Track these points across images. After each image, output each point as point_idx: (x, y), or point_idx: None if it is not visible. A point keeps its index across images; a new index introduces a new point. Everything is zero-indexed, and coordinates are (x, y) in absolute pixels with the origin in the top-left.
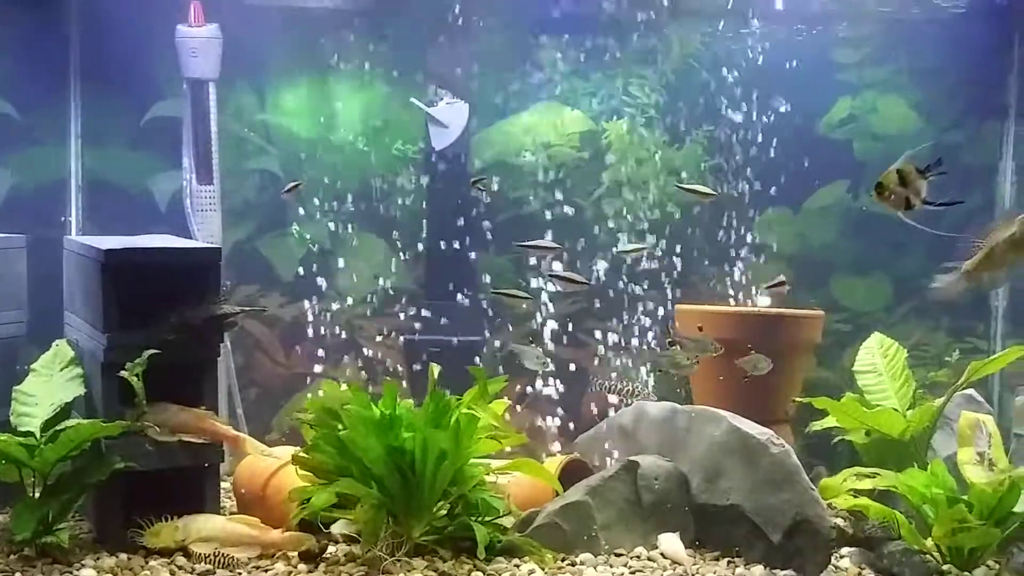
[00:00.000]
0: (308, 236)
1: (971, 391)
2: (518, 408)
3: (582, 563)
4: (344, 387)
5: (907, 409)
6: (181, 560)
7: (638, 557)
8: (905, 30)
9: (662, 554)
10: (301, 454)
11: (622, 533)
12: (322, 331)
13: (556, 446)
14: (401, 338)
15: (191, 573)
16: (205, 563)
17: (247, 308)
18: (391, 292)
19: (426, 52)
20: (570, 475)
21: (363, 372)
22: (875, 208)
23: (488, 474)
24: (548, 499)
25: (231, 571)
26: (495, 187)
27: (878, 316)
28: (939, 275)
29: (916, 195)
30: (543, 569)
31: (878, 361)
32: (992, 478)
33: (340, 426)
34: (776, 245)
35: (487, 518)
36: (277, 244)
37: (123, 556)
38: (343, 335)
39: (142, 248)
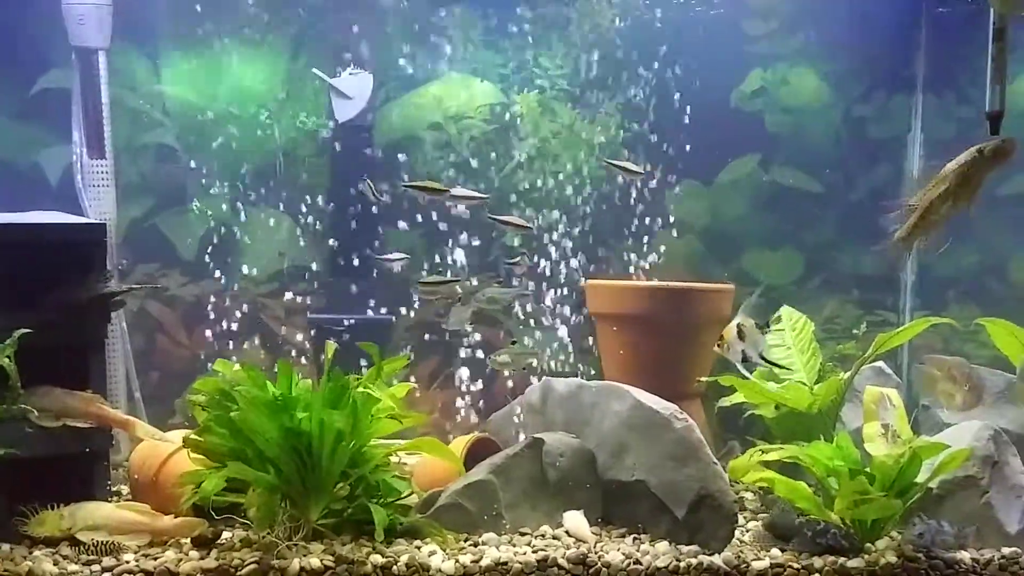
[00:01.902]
0: (209, 213)
1: (880, 363)
2: (432, 388)
3: (485, 543)
4: (237, 366)
5: (815, 382)
6: (67, 550)
7: (543, 536)
8: (815, 1)
9: (567, 532)
10: (193, 436)
11: (527, 512)
12: (226, 310)
13: (470, 425)
14: (308, 316)
15: (76, 562)
16: (90, 552)
17: (136, 286)
18: (297, 269)
19: (330, 21)
20: (479, 454)
21: (269, 352)
22: (787, 181)
23: (390, 455)
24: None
25: (118, 559)
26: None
27: (790, 290)
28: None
29: (753, 349)
30: (444, 550)
31: (786, 334)
32: (894, 449)
33: (234, 407)
34: (688, 218)
35: (389, 500)
36: (177, 221)
37: (5, 547)
38: (248, 314)
39: (18, 224)
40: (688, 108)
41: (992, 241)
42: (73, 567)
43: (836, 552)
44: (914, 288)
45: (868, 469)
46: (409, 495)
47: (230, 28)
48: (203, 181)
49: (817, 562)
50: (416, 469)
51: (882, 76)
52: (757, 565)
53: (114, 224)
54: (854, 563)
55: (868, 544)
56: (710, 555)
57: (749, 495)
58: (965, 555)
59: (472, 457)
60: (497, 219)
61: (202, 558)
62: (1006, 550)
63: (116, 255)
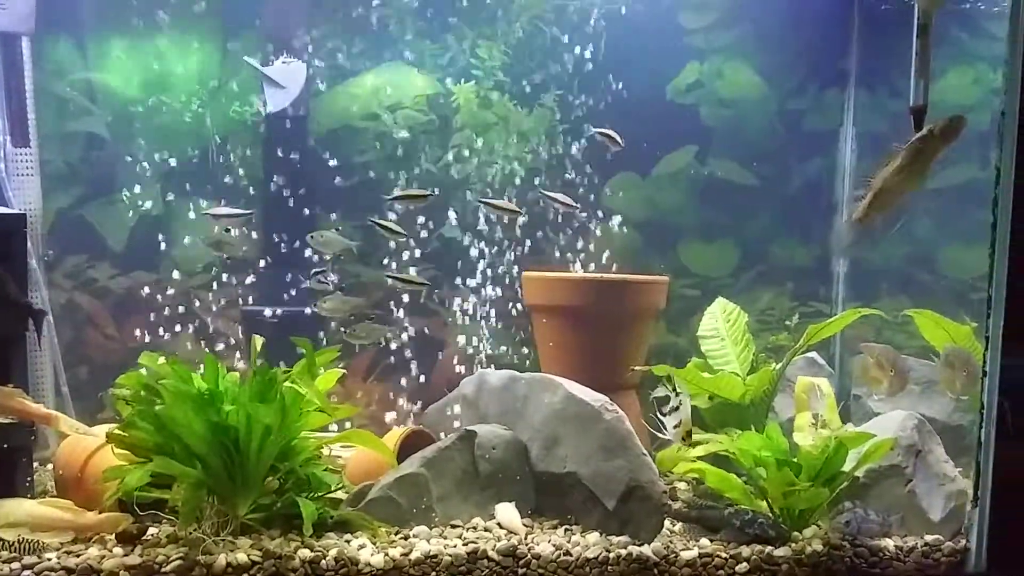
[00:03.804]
0: (139, 203)
1: (813, 354)
2: (368, 380)
3: (415, 536)
4: (162, 359)
5: (748, 373)
6: None
7: (474, 528)
8: None
9: (499, 524)
10: (117, 431)
11: (459, 504)
12: (157, 303)
13: (407, 418)
14: (241, 309)
15: None
16: (10, 550)
17: None
18: (230, 261)
19: (264, 8)
20: (413, 447)
21: (201, 345)
22: (717, 174)
23: (321, 448)
24: None
25: (39, 557)
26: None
27: (725, 281)
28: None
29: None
30: (374, 543)
31: (721, 326)
32: (820, 440)
33: (159, 401)
34: (625, 210)
35: (319, 493)
36: (106, 212)
37: None
38: (180, 306)
39: None
40: (625, 100)
41: (922, 233)
42: None
43: (763, 541)
44: (846, 279)
45: (796, 459)
46: (340, 488)
47: (161, 14)
48: (133, 170)
49: (744, 551)
50: (349, 462)
51: (815, 70)
52: (686, 555)
53: (39, 214)
54: (781, 552)
55: (796, 533)
56: (639, 545)
57: (682, 485)
58: (889, 543)
59: (406, 450)
60: (547, 195)
61: (126, 555)
62: (929, 537)
63: (42, 246)
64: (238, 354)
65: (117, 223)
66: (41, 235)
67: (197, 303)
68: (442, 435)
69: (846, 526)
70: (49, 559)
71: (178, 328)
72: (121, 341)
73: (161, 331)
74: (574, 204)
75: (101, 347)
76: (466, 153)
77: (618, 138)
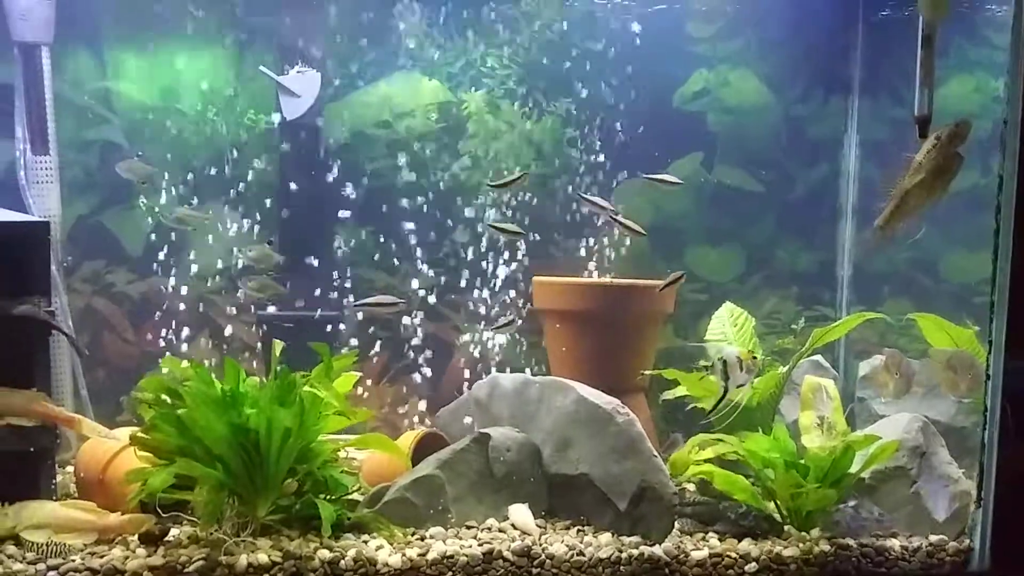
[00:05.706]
0: (156, 210)
1: (818, 357)
2: (382, 383)
3: (432, 537)
4: (185, 363)
5: (755, 376)
6: (11, 549)
7: (489, 529)
8: (756, 3)
9: (512, 525)
10: (139, 434)
11: (474, 505)
12: (174, 307)
13: (419, 420)
14: (256, 314)
15: (21, 561)
16: (36, 551)
17: None
18: (245, 266)
19: (278, 18)
20: (427, 449)
21: (218, 349)
22: (727, 181)
23: (338, 450)
24: None
25: (64, 558)
26: None
27: (732, 286)
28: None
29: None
30: (391, 544)
31: (728, 330)
32: (828, 441)
33: (180, 404)
34: (633, 216)
35: (336, 495)
36: (123, 218)
37: None
38: (196, 311)
39: None
40: (633, 107)
41: (925, 239)
42: (18, 566)
43: (756, 534)
44: (851, 284)
45: (803, 460)
46: (357, 490)
47: (177, 24)
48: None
49: (754, 551)
50: (364, 464)
51: (819, 78)
52: (696, 555)
53: (59, 221)
54: (789, 552)
55: (803, 533)
56: (651, 546)
57: (691, 486)
58: (895, 542)
59: (420, 452)
60: (584, 197)
61: (149, 555)
62: (934, 537)
63: (61, 252)
64: (255, 363)
65: (134, 229)
66: (60, 241)
67: (213, 308)
68: (465, 434)
69: (852, 518)
70: (74, 560)
71: (194, 333)
72: (138, 345)
73: (177, 336)
74: (614, 209)
75: (119, 351)
76: (477, 159)
77: (673, 179)
